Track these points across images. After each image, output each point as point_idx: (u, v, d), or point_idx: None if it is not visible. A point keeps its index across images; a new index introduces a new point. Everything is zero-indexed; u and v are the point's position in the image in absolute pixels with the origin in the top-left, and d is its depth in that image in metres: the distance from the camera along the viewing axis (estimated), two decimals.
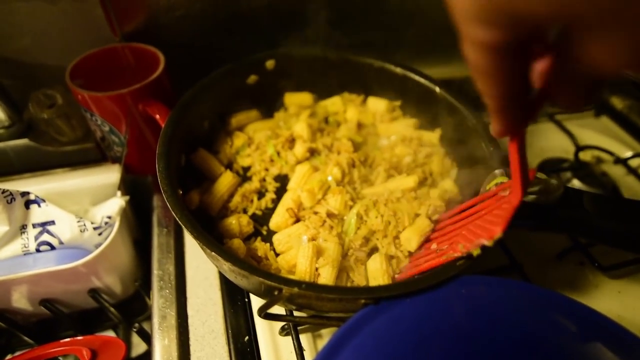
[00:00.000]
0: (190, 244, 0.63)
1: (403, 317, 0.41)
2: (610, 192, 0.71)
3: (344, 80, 0.71)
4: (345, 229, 0.55)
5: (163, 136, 0.53)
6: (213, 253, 0.42)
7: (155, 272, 0.59)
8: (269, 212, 0.59)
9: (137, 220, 0.69)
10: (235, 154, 0.65)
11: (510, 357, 0.40)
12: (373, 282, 0.50)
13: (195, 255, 0.61)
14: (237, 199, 0.59)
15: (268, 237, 0.56)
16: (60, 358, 0.56)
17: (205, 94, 0.61)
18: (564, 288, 0.58)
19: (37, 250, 0.57)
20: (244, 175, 0.63)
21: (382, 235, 0.54)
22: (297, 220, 0.56)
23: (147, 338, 0.59)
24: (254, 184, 0.61)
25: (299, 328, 0.50)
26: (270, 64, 0.67)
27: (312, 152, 0.64)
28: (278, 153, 0.64)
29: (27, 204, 0.57)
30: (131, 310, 0.66)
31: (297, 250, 0.51)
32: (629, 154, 0.77)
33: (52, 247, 0.57)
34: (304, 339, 0.51)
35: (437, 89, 0.64)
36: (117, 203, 0.59)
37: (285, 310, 0.50)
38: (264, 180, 0.63)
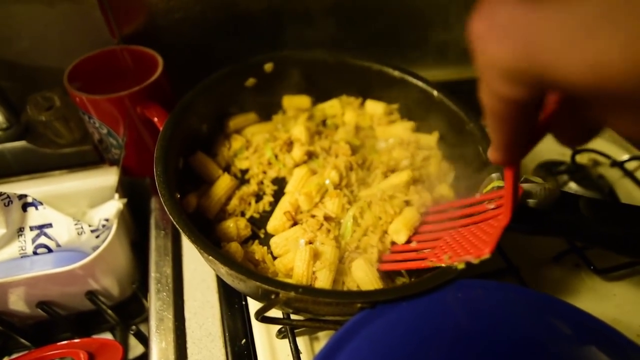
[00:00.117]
0: (188, 246, 0.63)
1: (399, 321, 0.41)
2: (607, 195, 0.71)
3: (342, 83, 0.72)
4: (342, 232, 0.55)
5: (161, 139, 0.53)
6: (210, 257, 0.42)
7: (153, 274, 0.59)
8: (266, 215, 0.59)
9: (135, 222, 0.69)
10: (233, 157, 0.65)
11: None
12: (364, 287, 0.50)
13: (193, 258, 0.61)
14: (234, 202, 0.59)
15: (265, 240, 0.56)
16: None
17: (203, 97, 0.61)
18: (560, 291, 0.59)
19: (35, 253, 0.57)
20: (241, 178, 0.63)
21: (371, 231, 0.54)
22: (295, 224, 0.56)
23: (144, 340, 0.59)
24: (252, 186, 0.61)
25: (295, 331, 0.50)
26: (268, 67, 0.67)
27: (310, 155, 0.64)
28: (276, 156, 0.64)
29: (25, 207, 0.57)
30: (128, 313, 0.65)
31: (295, 254, 0.51)
32: (625, 157, 0.78)
33: (50, 250, 0.57)
34: (301, 341, 0.51)
35: (435, 93, 0.65)
36: (114, 205, 0.59)
37: (282, 313, 0.50)
38: (261, 183, 0.63)
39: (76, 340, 0.54)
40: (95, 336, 0.64)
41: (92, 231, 0.58)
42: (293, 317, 0.50)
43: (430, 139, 0.67)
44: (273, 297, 0.41)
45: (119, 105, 0.59)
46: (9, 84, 0.67)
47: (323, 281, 0.49)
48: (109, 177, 0.65)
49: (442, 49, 0.88)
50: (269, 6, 0.72)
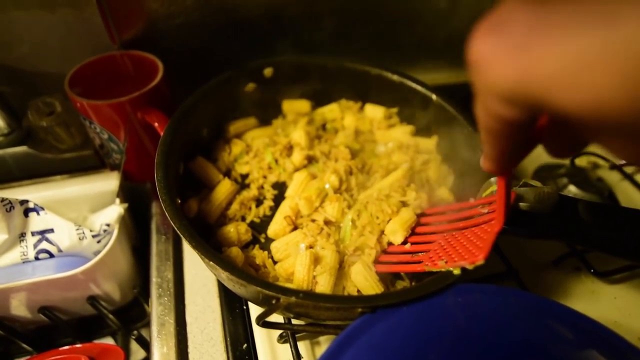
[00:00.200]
0: (189, 251, 0.63)
1: (400, 326, 0.41)
2: (606, 198, 0.71)
3: (341, 87, 0.72)
4: (342, 236, 0.55)
5: (161, 145, 0.53)
6: (211, 262, 0.42)
7: (154, 279, 0.59)
8: (267, 220, 0.59)
9: (136, 227, 0.69)
10: (234, 162, 0.65)
11: None
12: (365, 292, 0.50)
13: (194, 263, 0.61)
14: (235, 206, 0.59)
15: (266, 245, 0.56)
16: None
17: (203, 102, 0.62)
18: (560, 294, 0.59)
19: (36, 258, 0.57)
20: (242, 183, 0.64)
21: (368, 231, 0.55)
22: (295, 228, 0.57)
23: (145, 345, 0.59)
24: (252, 191, 0.62)
25: (296, 335, 0.50)
26: (268, 71, 0.67)
27: (310, 160, 0.65)
28: (276, 160, 0.64)
29: (26, 212, 0.57)
30: (130, 317, 0.66)
31: (295, 258, 0.51)
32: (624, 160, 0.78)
33: (51, 255, 0.58)
34: (302, 346, 0.51)
35: (434, 97, 0.65)
36: (115, 210, 0.59)
37: (284, 318, 0.50)
38: (262, 187, 0.63)
39: (78, 345, 0.55)
40: (96, 341, 0.64)
41: (94, 236, 0.58)
42: (294, 321, 0.50)
43: (429, 143, 0.67)
44: (274, 302, 0.42)
45: (119, 111, 0.59)
46: (10, 90, 0.67)
47: (324, 286, 0.49)
48: (110, 182, 0.65)
49: (441, 52, 0.89)
50: (267, 11, 0.72)
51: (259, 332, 0.53)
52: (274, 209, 0.60)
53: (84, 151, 0.72)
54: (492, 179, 0.51)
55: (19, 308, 0.57)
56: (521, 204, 0.47)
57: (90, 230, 0.58)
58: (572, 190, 0.71)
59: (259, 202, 0.62)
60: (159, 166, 0.51)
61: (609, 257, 0.52)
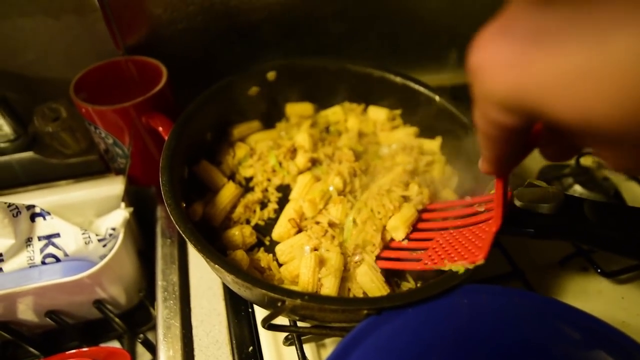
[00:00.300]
0: (194, 254, 0.63)
1: (405, 327, 0.41)
2: (612, 197, 0.71)
3: (345, 89, 0.72)
4: (346, 237, 0.55)
5: (166, 149, 0.54)
6: (217, 265, 0.42)
7: (160, 282, 0.59)
8: (271, 223, 0.59)
9: (141, 231, 0.69)
10: (238, 165, 0.65)
11: None
12: (370, 294, 0.50)
13: (199, 266, 0.62)
14: (239, 209, 0.59)
15: (271, 248, 0.56)
16: None
17: (207, 106, 0.62)
18: (566, 294, 0.58)
19: (43, 263, 0.58)
20: (246, 186, 0.64)
21: (371, 228, 0.54)
22: (300, 231, 0.57)
23: (151, 348, 0.60)
24: (257, 194, 0.62)
25: (302, 338, 0.50)
26: (271, 75, 0.68)
27: (314, 162, 0.65)
28: (280, 163, 0.64)
29: (33, 217, 0.57)
30: (135, 321, 0.66)
31: (300, 261, 0.51)
32: None
33: (58, 260, 0.58)
34: (308, 348, 0.51)
35: (437, 98, 0.65)
36: (121, 214, 0.60)
37: (289, 320, 0.50)
38: (266, 190, 0.63)
39: (84, 349, 0.55)
40: (103, 345, 0.64)
41: (99, 240, 0.59)
42: (299, 324, 0.50)
43: (433, 144, 0.67)
44: (279, 304, 0.42)
45: (124, 116, 0.59)
46: (16, 96, 0.68)
47: (329, 288, 0.49)
48: (115, 186, 0.65)
49: (442, 54, 0.89)
50: (269, 15, 0.73)
51: (264, 335, 0.53)
52: (278, 211, 0.61)
53: (89, 156, 0.72)
54: None
55: (26, 312, 0.57)
56: (526, 205, 0.46)
57: (96, 235, 0.58)
58: (577, 189, 0.71)
59: (263, 205, 0.62)
60: (164, 170, 0.51)
61: (615, 256, 0.52)
